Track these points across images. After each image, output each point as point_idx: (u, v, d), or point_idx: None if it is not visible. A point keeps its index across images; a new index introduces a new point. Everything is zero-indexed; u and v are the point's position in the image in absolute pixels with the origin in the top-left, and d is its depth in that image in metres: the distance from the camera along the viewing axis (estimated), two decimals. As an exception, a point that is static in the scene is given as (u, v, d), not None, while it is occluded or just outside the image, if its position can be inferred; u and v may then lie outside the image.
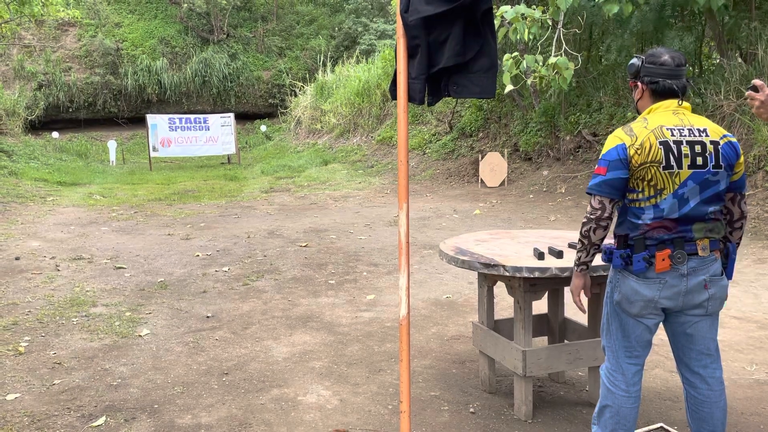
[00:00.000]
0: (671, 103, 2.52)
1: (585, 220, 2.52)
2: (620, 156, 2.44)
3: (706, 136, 2.46)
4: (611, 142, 2.50)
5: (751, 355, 4.21)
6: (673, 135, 2.43)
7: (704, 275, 2.46)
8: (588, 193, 2.52)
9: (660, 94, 2.53)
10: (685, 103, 2.53)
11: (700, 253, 2.44)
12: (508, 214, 9.95)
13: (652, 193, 2.43)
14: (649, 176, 2.42)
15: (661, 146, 2.41)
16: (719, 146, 2.45)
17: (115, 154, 20.67)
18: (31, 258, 7.30)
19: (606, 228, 2.50)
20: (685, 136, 2.44)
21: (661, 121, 2.47)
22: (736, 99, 9.15)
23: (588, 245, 2.53)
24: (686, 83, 2.54)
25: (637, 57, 2.60)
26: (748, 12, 9.72)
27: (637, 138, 2.44)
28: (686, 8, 10.35)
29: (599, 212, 2.47)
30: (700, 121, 2.50)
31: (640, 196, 2.46)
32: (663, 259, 2.41)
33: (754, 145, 8.55)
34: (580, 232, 2.55)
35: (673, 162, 2.41)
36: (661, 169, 2.41)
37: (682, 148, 2.42)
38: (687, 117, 2.50)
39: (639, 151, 2.42)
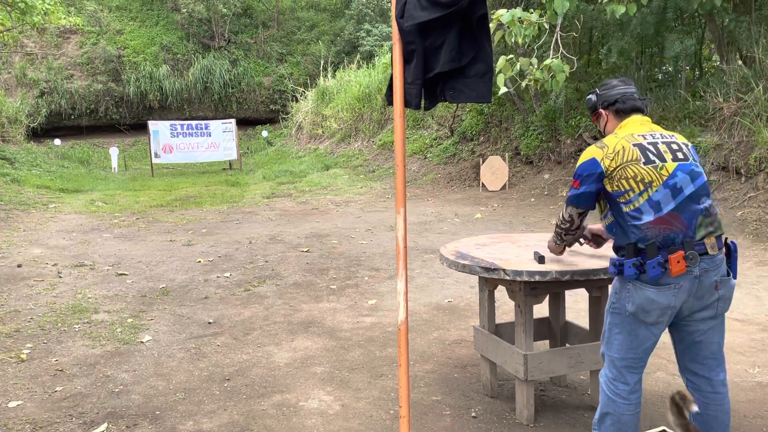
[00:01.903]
0: (636, 118, 2.67)
1: (558, 227, 2.82)
2: (591, 170, 2.57)
3: (676, 139, 2.61)
4: (584, 156, 2.63)
5: (754, 357, 4.20)
6: (645, 138, 2.56)
7: (715, 276, 2.48)
8: (564, 207, 2.75)
9: (623, 111, 2.69)
10: (647, 117, 2.70)
11: (709, 251, 2.46)
12: (510, 218, 9.95)
13: (641, 188, 2.48)
14: (632, 173, 2.49)
15: (636, 147, 2.53)
16: (689, 146, 2.61)
17: (117, 161, 20.71)
18: (34, 265, 7.32)
19: (575, 236, 2.86)
20: (657, 138, 2.58)
21: (632, 130, 2.61)
22: (736, 101, 9.15)
23: (561, 242, 2.94)
24: (642, 101, 2.72)
25: (591, 93, 2.82)
26: (748, 14, 9.73)
27: (608, 147, 2.56)
28: (686, 11, 10.36)
29: (568, 225, 2.78)
30: (666, 131, 2.66)
31: (632, 195, 2.50)
32: (678, 261, 2.40)
33: (755, 147, 8.54)
34: (555, 231, 2.90)
35: (653, 158, 2.51)
36: (642, 165, 2.50)
37: (660, 147, 2.54)
38: (653, 128, 2.65)
39: (613, 157, 2.53)
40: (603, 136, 2.73)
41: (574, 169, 2.66)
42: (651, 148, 2.52)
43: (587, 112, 2.89)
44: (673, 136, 2.62)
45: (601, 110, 2.75)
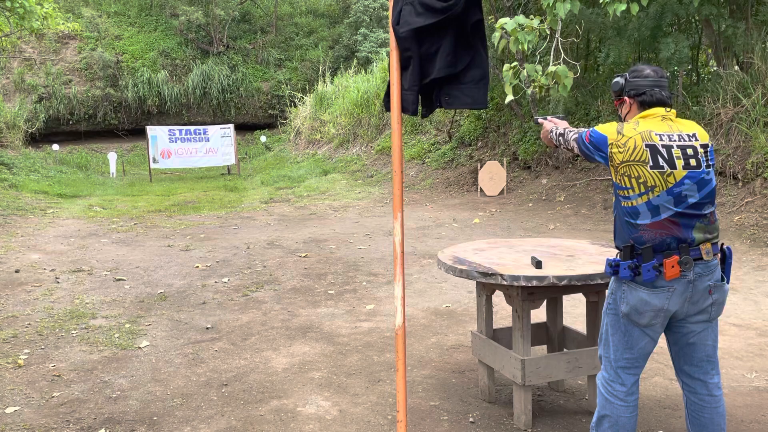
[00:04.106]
0: (659, 110, 2.58)
1: (559, 136, 2.85)
2: (598, 145, 2.57)
3: (696, 140, 2.53)
4: (603, 128, 2.59)
5: (751, 362, 4.21)
6: (662, 140, 2.49)
7: (709, 281, 2.50)
8: (575, 140, 2.72)
9: (648, 104, 2.60)
10: (672, 110, 2.60)
11: (704, 257, 2.47)
12: (508, 223, 9.96)
13: (642, 189, 2.48)
14: (636, 173, 2.48)
15: (647, 148, 2.47)
16: (707, 148, 2.54)
17: (116, 166, 20.69)
18: (31, 270, 7.31)
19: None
20: (675, 140, 2.50)
21: (651, 127, 2.52)
22: (733, 107, 9.18)
23: (551, 139, 2.94)
24: (670, 94, 2.62)
25: (619, 75, 2.70)
26: (745, 20, 9.77)
27: (623, 136, 2.51)
28: (683, 17, 10.41)
29: (563, 146, 2.83)
30: (689, 127, 2.57)
31: (630, 193, 2.51)
32: (672, 266, 2.43)
33: (752, 152, 8.57)
34: (557, 135, 2.88)
35: (662, 163, 2.46)
36: (648, 168, 2.46)
37: (673, 152, 2.48)
38: (675, 123, 2.56)
39: (621, 149, 2.49)
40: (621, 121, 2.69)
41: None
42: (664, 151, 2.46)
43: (613, 96, 2.79)
44: (693, 135, 2.52)
45: (626, 97, 2.65)
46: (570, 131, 2.78)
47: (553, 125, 2.94)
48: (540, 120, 3.06)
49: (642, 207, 2.48)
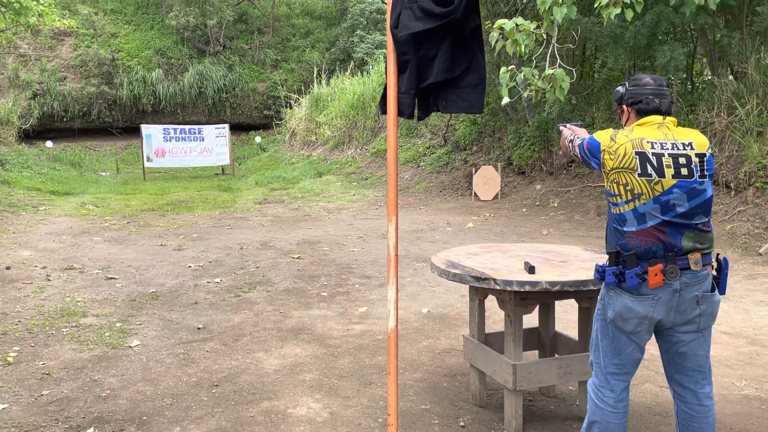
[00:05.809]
0: (656, 118, 2.58)
1: (570, 142, 2.87)
2: (593, 150, 2.61)
3: (692, 149, 2.51)
4: (599, 135, 2.63)
5: (741, 370, 4.23)
6: (653, 148, 2.49)
7: (697, 291, 2.48)
8: (578, 146, 2.77)
9: (645, 113, 2.60)
10: (670, 118, 2.59)
11: (692, 267, 2.46)
12: (501, 228, 9.97)
13: (629, 197, 2.49)
14: (624, 180, 2.49)
15: (636, 156, 2.48)
16: (705, 158, 2.51)
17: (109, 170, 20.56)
18: (22, 268, 7.27)
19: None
20: (667, 149, 2.49)
21: (643, 134, 2.53)
22: (727, 116, 9.23)
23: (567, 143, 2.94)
24: (671, 102, 2.62)
25: (621, 84, 2.73)
26: (740, 30, 9.83)
27: (615, 143, 2.53)
28: (678, 25, 10.46)
29: (570, 151, 2.87)
30: (686, 135, 2.55)
31: (619, 200, 2.52)
32: (656, 274, 2.42)
33: (745, 161, 8.62)
34: (569, 141, 2.89)
35: (651, 171, 2.46)
36: (636, 176, 2.47)
37: (663, 160, 2.47)
38: (671, 131, 2.55)
39: (612, 156, 2.52)
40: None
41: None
42: (653, 159, 2.45)
43: (614, 104, 2.84)
44: (689, 144, 2.50)
45: (624, 106, 2.68)
46: (578, 138, 2.80)
47: (571, 132, 2.95)
48: (560, 127, 3.08)
49: (629, 214, 2.49)
